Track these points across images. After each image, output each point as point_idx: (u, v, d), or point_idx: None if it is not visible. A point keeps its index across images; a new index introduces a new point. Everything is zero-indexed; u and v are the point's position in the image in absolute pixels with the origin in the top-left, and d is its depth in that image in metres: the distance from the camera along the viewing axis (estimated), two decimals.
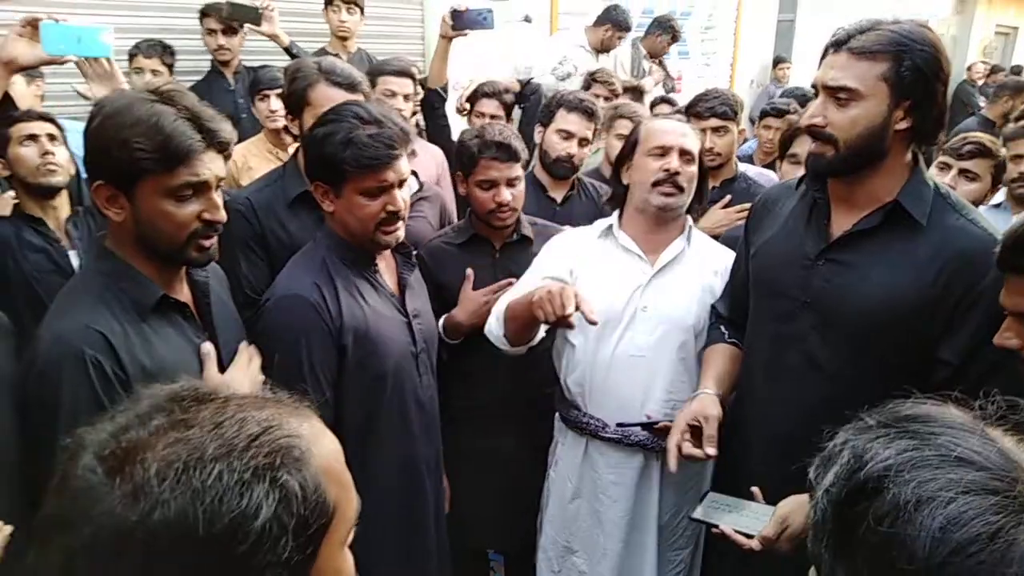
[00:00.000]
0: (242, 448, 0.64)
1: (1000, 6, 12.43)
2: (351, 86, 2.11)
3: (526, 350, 2.06)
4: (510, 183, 2.17)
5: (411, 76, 2.90)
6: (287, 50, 3.64)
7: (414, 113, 3.09)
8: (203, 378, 1.41)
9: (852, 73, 1.52)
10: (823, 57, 1.60)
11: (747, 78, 8.05)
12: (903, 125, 1.54)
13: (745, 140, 4.62)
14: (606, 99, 3.68)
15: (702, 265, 2.08)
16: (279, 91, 2.63)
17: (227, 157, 1.46)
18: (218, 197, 1.42)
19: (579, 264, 2.06)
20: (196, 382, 0.74)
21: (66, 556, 0.62)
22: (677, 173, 1.98)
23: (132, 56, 3.38)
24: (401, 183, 1.76)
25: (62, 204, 2.58)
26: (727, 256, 2.10)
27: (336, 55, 3.60)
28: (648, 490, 2.06)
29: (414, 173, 2.28)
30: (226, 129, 1.41)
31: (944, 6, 10.74)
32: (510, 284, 2.13)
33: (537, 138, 2.96)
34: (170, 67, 3.49)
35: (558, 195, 2.87)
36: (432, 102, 3.42)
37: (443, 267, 2.24)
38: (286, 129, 2.41)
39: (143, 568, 0.60)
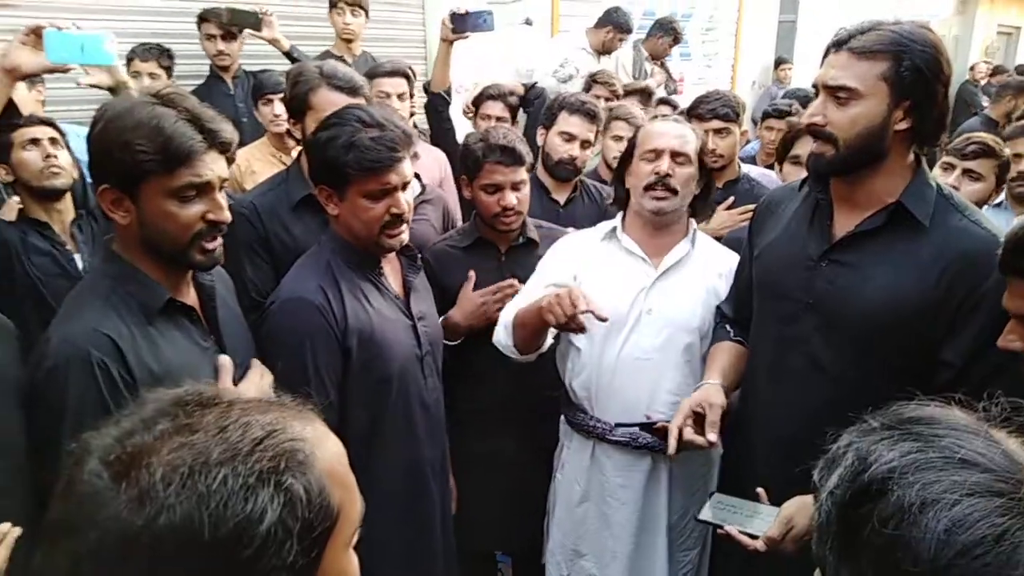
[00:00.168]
0: (246, 452, 0.64)
1: (1002, 6, 12.42)
2: (352, 90, 2.11)
3: (535, 357, 2.06)
4: (515, 187, 2.17)
5: (404, 75, 2.90)
6: (287, 54, 3.64)
7: (412, 114, 3.09)
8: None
9: (852, 73, 1.52)
10: (824, 57, 1.61)
11: (749, 79, 8.05)
12: (903, 125, 1.54)
13: (747, 141, 4.62)
14: (607, 100, 3.68)
15: (706, 267, 2.08)
16: (283, 95, 2.64)
17: (231, 161, 1.47)
18: (222, 198, 1.43)
19: (583, 268, 2.07)
20: (201, 386, 0.74)
21: (72, 560, 0.62)
22: (668, 176, 1.97)
23: (129, 60, 3.38)
24: (404, 185, 1.77)
25: (66, 208, 2.59)
26: (731, 258, 2.10)
27: (340, 58, 3.61)
28: (656, 492, 2.06)
29: (416, 176, 2.28)
30: (227, 130, 1.42)
31: (946, 6, 10.74)
32: (510, 285, 2.13)
33: (539, 140, 2.96)
34: (168, 69, 3.49)
35: (561, 197, 2.87)
36: (436, 106, 3.43)
37: (448, 270, 2.24)
38: (289, 133, 2.42)
39: (149, 572, 0.61)
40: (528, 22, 5.35)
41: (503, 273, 2.25)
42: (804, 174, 2.49)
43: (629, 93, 3.99)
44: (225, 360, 1.49)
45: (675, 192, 1.99)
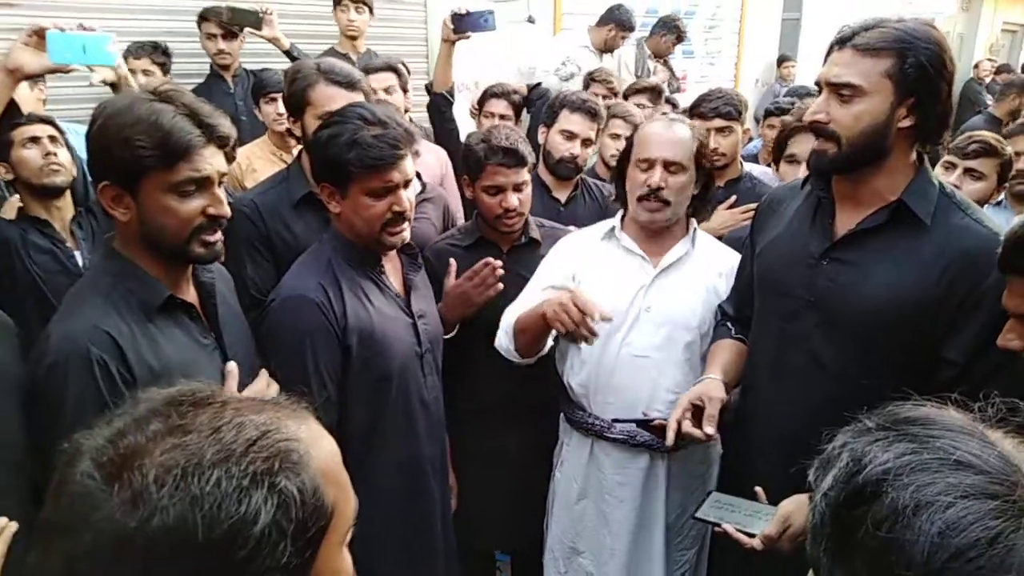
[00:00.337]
0: (240, 453, 0.64)
1: (1007, 4, 12.37)
2: (350, 84, 2.12)
3: (536, 359, 2.07)
4: (517, 188, 2.17)
5: (391, 69, 2.90)
6: (287, 53, 3.65)
7: (407, 110, 3.09)
8: None
9: (856, 70, 1.52)
10: (828, 54, 1.60)
11: (751, 77, 8.03)
12: (906, 123, 1.54)
13: (750, 140, 4.61)
14: (605, 98, 3.67)
15: (707, 266, 2.07)
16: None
17: (231, 159, 1.47)
18: (221, 193, 1.44)
19: (582, 267, 2.06)
20: (194, 385, 0.73)
21: (66, 561, 0.62)
22: (660, 188, 1.95)
23: (123, 58, 3.39)
24: (406, 183, 1.77)
25: (66, 205, 2.60)
26: (732, 257, 2.10)
27: (345, 55, 3.62)
28: (654, 490, 2.06)
29: (417, 174, 2.28)
30: (225, 124, 1.42)
31: (950, 4, 10.68)
32: (489, 267, 2.05)
33: (540, 139, 2.96)
34: (162, 66, 3.48)
35: (562, 195, 2.87)
36: (439, 106, 3.43)
37: (449, 270, 2.24)
38: (290, 132, 2.43)
39: (143, 573, 0.61)
40: (531, 20, 5.34)
41: (505, 273, 2.24)
42: (800, 172, 2.50)
43: (639, 91, 3.96)
44: (232, 366, 1.49)
45: (667, 203, 1.97)
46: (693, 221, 2.13)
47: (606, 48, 4.85)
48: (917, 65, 1.48)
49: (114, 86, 2.17)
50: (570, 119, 2.83)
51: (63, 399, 1.30)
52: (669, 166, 1.96)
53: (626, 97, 3.94)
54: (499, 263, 2.05)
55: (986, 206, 2.74)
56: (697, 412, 1.75)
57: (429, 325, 1.95)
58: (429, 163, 2.96)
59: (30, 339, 1.46)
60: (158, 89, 1.40)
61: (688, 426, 1.73)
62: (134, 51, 3.41)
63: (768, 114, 3.71)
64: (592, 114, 2.86)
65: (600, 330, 1.93)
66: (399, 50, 4.29)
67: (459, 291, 2.08)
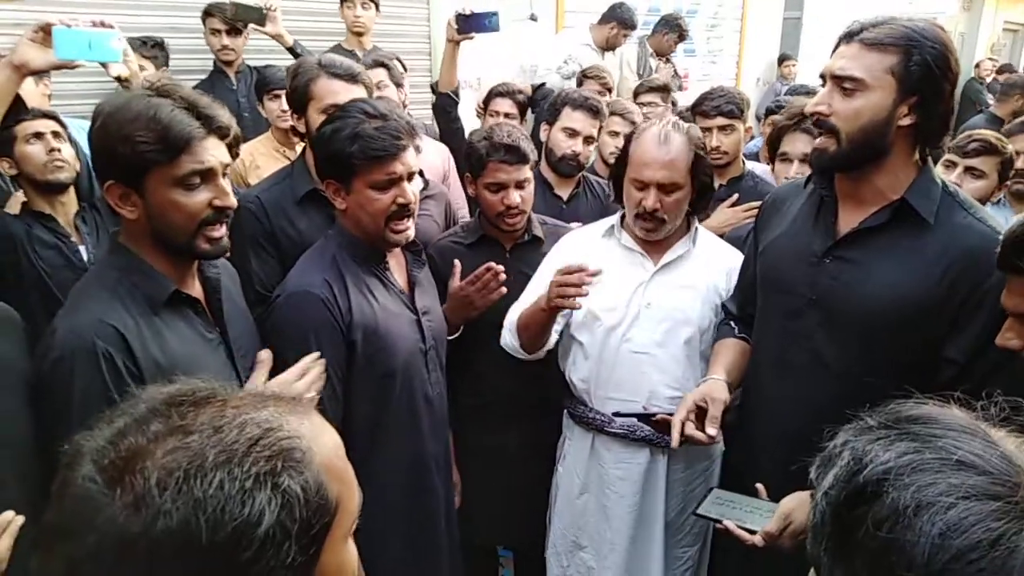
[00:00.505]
0: (242, 454, 0.64)
1: (1008, 3, 12.34)
2: (351, 77, 2.14)
3: (544, 354, 2.08)
4: (519, 185, 2.17)
5: (382, 65, 2.90)
6: (291, 50, 3.65)
7: (404, 105, 3.09)
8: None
9: (861, 63, 1.52)
10: (835, 49, 1.60)
11: (753, 76, 8.02)
12: (907, 121, 1.54)
13: (752, 138, 4.61)
14: (600, 95, 3.66)
15: (707, 264, 2.08)
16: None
17: (235, 155, 1.48)
18: (226, 184, 1.44)
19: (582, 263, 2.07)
20: (194, 384, 0.73)
21: (69, 564, 0.62)
22: (656, 210, 1.95)
23: None
24: (410, 176, 1.78)
25: (70, 200, 2.60)
26: (733, 255, 2.10)
27: (351, 52, 3.62)
28: (654, 485, 2.07)
29: (419, 172, 2.29)
30: (224, 115, 1.42)
31: (952, 3, 10.68)
32: (492, 272, 2.04)
33: (543, 136, 2.96)
34: (153, 59, 3.44)
35: (564, 193, 2.88)
36: (445, 106, 3.43)
37: (452, 267, 2.24)
38: (294, 129, 2.44)
39: (147, 575, 0.61)
40: (533, 18, 5.34)
41: (508, 271, 2.25)
42: (791, 170, 2.51)
43: (651, 90, 3.96)
44: (266, 354, 1.48)
45: (663, 221, 1.98)
46: (694, 219, 2.13)
47: (608, 46, 4.84)
48: (922, 64, 1.49)
49: (123, 81, 2.18)
50: (572, 116, 2.84)
51: (70, 393, 1.30)
52: (663, 187, 1.95)
53: (636, 96, 3.94)
54: (501, 268, 2.05)
55: (988, 205, 2.75)
56: (700, 413, 1.76)
57: (433, 322, 1.96)
58: (431, 159, 2.96)
59: (36, 334, 1.47)
60: (155, 84, 1.41)
61: (691, 428, 1.73)
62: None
63: (769, 113, 3.69)
64: (594, 111, 2.86)
65: (600, 326, 1.94)
66: (402, 47, 4.30)
67: (462, 294, 2.09)
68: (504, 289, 2.07)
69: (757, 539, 1.56)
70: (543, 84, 4.36)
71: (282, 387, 1.39)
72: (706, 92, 2.96)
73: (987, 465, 0.65)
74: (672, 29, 5.41)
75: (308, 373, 1.49)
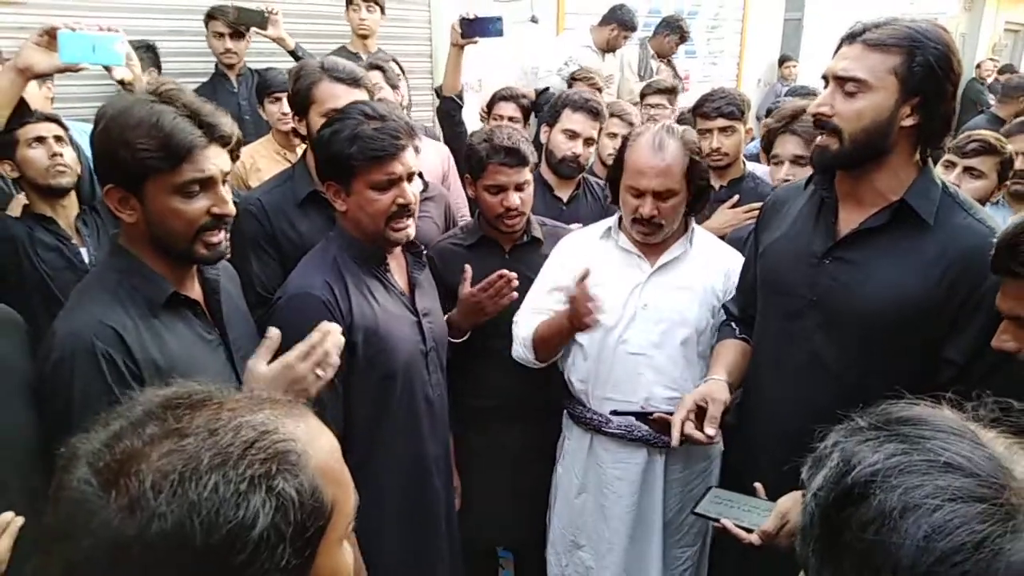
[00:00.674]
0: (237, 456, 0.64)
1: (1009, 3, 12.33)
2: (354, 80, 2.14)
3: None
4: (519, 188, 2.18)
5: (377, 68, 2.91)
6: (292, 53, 3.66)
7: (403, 106, 3.10)
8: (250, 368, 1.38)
9: (863, 64, 1.52)
10: (837, 50, 1.60)
11: (754, 77, 8.03)
12: (909, 122, 1.54)
13: (752, 139, 4.61)
14: None
15: (705, 265, 2.08)
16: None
17: (235, 158, 1.48)
18: (226, 192, 1.44)
19: (583, 266, 2.07)
20: (191, 386, 0.73)
21: (66, 567, 0.63)
22: (652, 216, 1.96)
23: None
24: (410, 176, 1.79)
25: (71, 203, 2.61)
26: (730, 255, 2.11)
27: (356, 55, 3.63)
28: (652, 485, 2.07)
29: (419, 174, 2.29)
30: (226, 123, 1.42)
31: (953, 3, 10.68)
32: (505, 280, 2.06)
33: (543, 138, 2.97)
34: (143, 63, 3.47)
35: (564, 195, 2.88)
36: (448, 110, 3.45)
37: (452, 269, 2.23)
38: (295, 131, 2.45)
39: None
40: (534, 20, 5.35)
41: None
42: (783, 172, 2.51)
43: (658, 91, 3.95)
44: (275, 332, 1.42)
45: (660, 226, 1.98)
46: (692, 220, 2.13)
47: (608, 48, 4.85)
48: (925, 64, 1.49)
49: (129, 85, 2.19)
50: (572, 118, 2.84)
51: (70, 395, 1.31)
52: (659, 194, 1.95)
53: (643, 98, 3.94)
54: (514, 275, 2.06)
55: (987, 206, 2.75)
56: (700, 413, 1.76)
57: (433, 323, 1.96)
58: (431, 161, 2.97)
59: (38, 336, 1.48)
60: (158, 89, 1.40)
61: (690, 428, 1.74)
62: None
63: (769, 114, 3.71)
64: (594, 113, 2.86)
65: (599, 327, 1.95)
66: (403, 49, 4.30)
67: (473, 300, 2.09)
68: (516, 295, 2.08)
69: (754, 537, 1.57)
70: (547, 89, 4.37)
71: (284, 368, 1.37)
72: (707, 93, 2.96)
73: (974, 467, 0.65)
74: (673, 31, 5.41)
75: (313, 353, 1.42)
